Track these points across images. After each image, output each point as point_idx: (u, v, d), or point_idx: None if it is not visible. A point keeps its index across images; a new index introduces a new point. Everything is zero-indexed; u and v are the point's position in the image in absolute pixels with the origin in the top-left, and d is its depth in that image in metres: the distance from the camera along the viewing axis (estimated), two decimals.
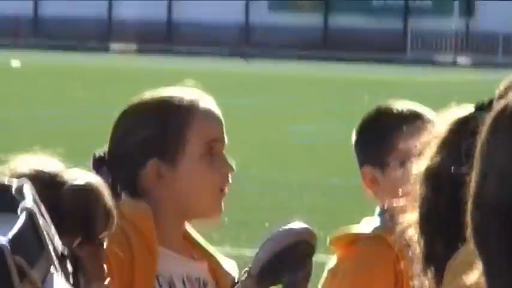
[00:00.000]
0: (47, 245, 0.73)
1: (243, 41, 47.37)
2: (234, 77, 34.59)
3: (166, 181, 2.05)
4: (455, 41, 46.95)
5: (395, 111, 2.59)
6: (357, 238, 2.57)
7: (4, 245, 0.66)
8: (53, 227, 0.79)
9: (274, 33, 46.19)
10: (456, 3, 46.83)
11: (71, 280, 0.87)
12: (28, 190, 0.76)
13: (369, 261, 2.51)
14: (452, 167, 1.16)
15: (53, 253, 0.75)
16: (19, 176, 1.33)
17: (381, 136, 2.54)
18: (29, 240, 0.71)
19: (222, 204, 2.09)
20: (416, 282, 1.25)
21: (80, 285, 1.50)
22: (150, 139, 2.06)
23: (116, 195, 1.99)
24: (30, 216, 0.71)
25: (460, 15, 46.84)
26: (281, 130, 19.94)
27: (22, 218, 0.70)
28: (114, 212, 1.60)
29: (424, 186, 1.22)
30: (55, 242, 0.78)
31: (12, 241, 0.67)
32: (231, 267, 2.13)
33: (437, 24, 46.25)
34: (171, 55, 42.02)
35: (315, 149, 16.76)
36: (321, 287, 2.58)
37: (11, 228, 0.69)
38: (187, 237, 2.15)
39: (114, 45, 45.09)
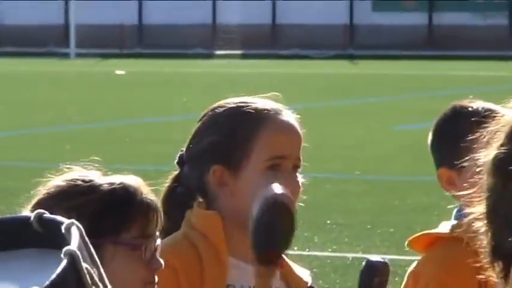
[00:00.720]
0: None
1: (348, 42, 46.97)
2: (340, 79, 34.39)
3: (230, 189, 2.01)
4: None
5: (471, 109, 2.50)
6: (436, 239, 2.50)
7: None
8: (101, 269, 0.78)
9: (379, 34, 45.49)
10: None
11: None
12: (75, 231, 0.74)
13: (451, 263, 2.43)
14: None
15: None
16: (53, 187, 1.62)
17: (457, 136, 2.43)
18: (69, 287, 0.69)
19: None
20: (484, 277, 1.19)
21: None
22: (217, 144, 2.03)
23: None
24: (73, 261, 0.69)
25: None
26: (387, 130, 19.60)
27: (63, 264, 0.68)
28: (158, 209, 1.67)
29: (491, 176, 1.16)
30: (101, 285, 0.75)
31: None
32: (304, 274, 2.09)
33: None
34: (276, 59, 42.39)
35: (420, 149, 16.33)
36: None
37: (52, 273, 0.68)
38: None
39: (218, 51, 46.02)
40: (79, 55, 44.35)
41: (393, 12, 46.62)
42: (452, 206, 2.57)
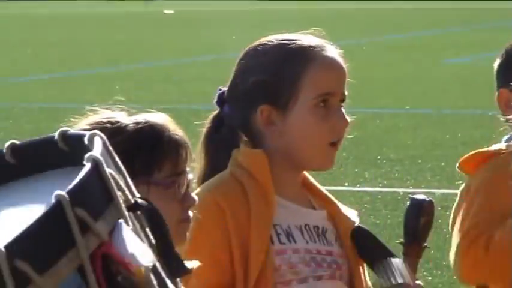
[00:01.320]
0: (116, 196, 0.70)
1: None
2: (388, 13, 33.59)
3: (277, 129, 1.99)
4: None
5: None
6: (487, 155, 2.49)
7: (63, 196, 0.63)
8: (127, 177, 0.77)
9: None
10: None
11: (147, 232, 0.78)
12: (98, 140, 0.73)
13: (502, 173, 2.38)
14: None
15: (123, 204, 0.72)
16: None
17: None
18: (94, 192, 0.68)
19: (333, 157, 2.02)
20: None
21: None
22: (264, 83, 1.99)
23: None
24: (96, 166, 0.68)
25: None
26: (437, 63, 19.19)
27: (86, 169, 0.67)
28: (187, 145, 1.63)
29: None
30: (127, 192, 0.75)
31: (72, 193, 0.64)
32: (351, 214, 2.09)
33: None
34: None
35: (470, 82, 15.91)
36: (454, 208, 2.50)
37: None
38: (306, 185, 2.09)
39: None
40: None
41: None
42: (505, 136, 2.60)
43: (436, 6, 35.37)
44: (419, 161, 10.05)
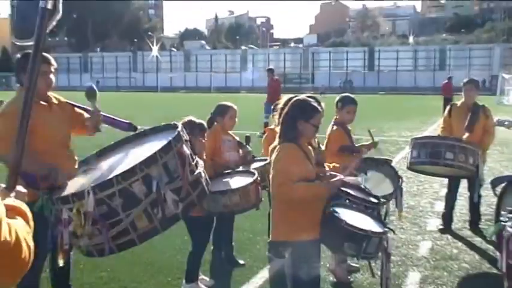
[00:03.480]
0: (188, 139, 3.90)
1: None
2: None
3: None
4: None
5: None
6: None
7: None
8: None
9: None
10: None
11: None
12: (181, 127, 3.91)
13: None
14: None
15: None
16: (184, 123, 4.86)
17: None
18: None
19: None
20: None
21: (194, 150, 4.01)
22: None
23: None
24: (179, 135, 3.77)
25: None
26: None
27: (176, 131, 3.78)
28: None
29: None
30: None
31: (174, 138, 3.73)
32: None
33: None
34: None
35: None
36: None
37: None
38: None
39: None
40: None
41: None
42: None
43: None
44: None
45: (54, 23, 2.41)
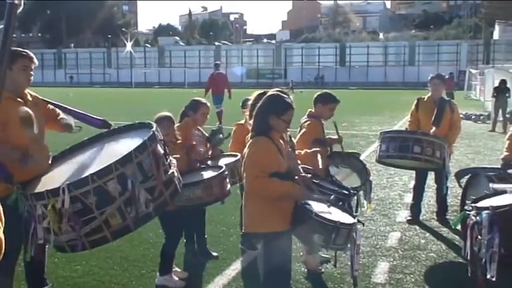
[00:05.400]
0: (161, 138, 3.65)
1: None
2: None
3: None
4: None
5: None
6: None
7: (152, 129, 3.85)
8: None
9: None
10: None
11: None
12: (156, 127, 3.89)
13: None
14: None
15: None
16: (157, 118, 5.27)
17: None
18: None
19: None
20: None
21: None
22: None
23: None
24: (154, 135, 3.76)
25: None
26: None
27: (151, 132, 3.78)
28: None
29: None
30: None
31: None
32: None
33: None
34: None
35: None
36: None
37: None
38: None
39: None
40: None
41: None
42: None
43: None
44: None
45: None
